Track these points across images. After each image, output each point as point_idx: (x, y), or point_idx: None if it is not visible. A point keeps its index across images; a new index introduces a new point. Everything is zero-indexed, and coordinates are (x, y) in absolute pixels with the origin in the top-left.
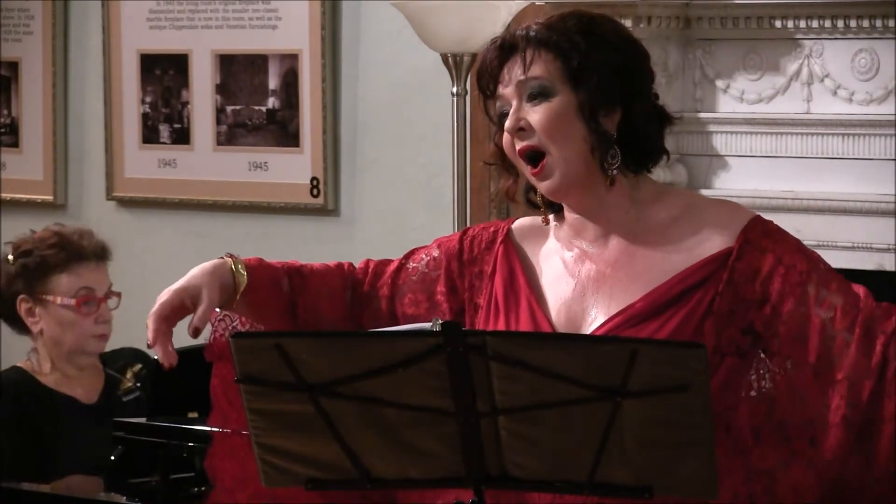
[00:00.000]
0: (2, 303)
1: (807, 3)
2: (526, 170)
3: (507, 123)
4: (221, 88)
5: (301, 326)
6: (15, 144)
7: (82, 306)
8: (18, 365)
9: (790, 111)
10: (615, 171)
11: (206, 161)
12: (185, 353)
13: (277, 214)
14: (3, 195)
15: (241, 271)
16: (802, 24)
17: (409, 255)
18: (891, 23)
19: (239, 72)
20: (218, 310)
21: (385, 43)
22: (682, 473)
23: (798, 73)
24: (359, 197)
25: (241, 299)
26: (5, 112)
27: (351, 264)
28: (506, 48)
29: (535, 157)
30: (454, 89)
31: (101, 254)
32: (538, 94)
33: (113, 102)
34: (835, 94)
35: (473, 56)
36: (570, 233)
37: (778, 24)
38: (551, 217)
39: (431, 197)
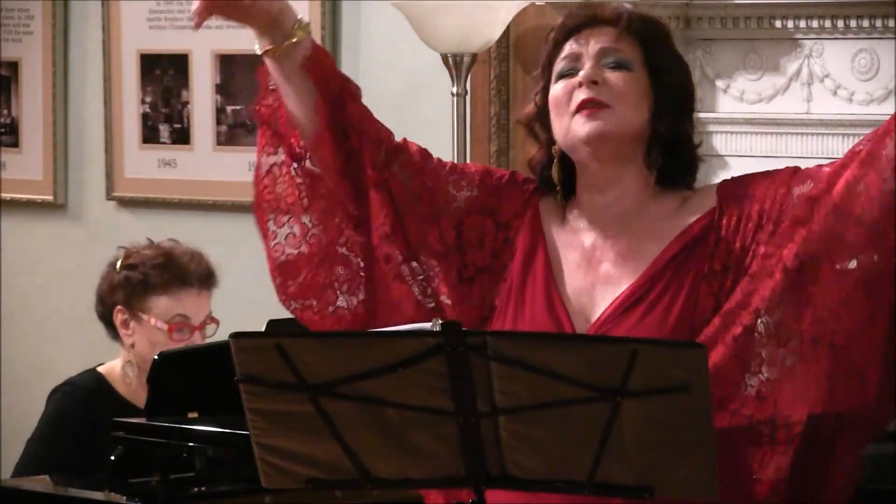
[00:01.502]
0: (102, 307)
1: (807, 3)
2: (572, 116)
3: (585, 72)
4: (221, 88)
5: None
6: (15, 144)
7: (174, 332)
8: (98, 370)
9: (790, 111)
10: (654, 168)
11: (206, 161)
12: (185, 354)
13: None
14: (3, 195)
15: (302, 31)
16: (802, 24)
17: (453, 169)
18: (891, 23)
19: (239, 72)
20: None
21: (385, 43)
22: (682, 473)
23: (798, 73)
24: None
25: (294, 63)
26: (5, 112)
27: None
28: (597, 19)
29: (595, 106)
30: (454, 89)
31: (205, 280)
32: (619, 66)
33: (113, 102)
34: (835, 94)
35: (473, 56)
36: (583, 221)
37: (778, 24)
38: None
39: None
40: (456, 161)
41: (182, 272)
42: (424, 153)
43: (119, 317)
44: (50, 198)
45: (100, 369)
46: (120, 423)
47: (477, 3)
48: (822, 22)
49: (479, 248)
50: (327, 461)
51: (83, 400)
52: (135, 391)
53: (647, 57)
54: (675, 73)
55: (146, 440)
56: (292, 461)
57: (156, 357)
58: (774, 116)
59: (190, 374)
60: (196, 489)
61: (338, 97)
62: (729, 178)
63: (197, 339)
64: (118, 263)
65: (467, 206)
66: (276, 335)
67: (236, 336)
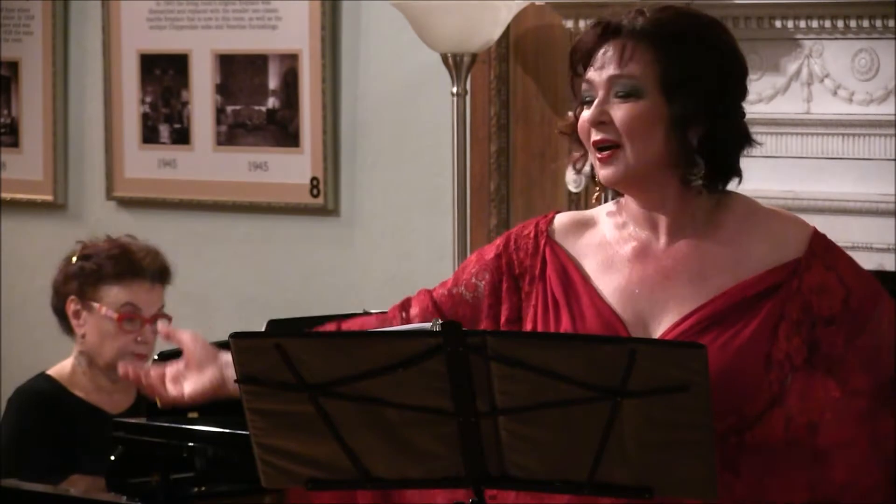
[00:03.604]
0: (56, 298)
1: (807, 3)
2: (593, 154)
3: (590, 115)
4: (221, 88)
5: None
6: (15, 144)
7: (124, 322)
8: (48, 373)
9: (790, 111)
10: (698, 183)
11: (206, 161)
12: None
13: (277, 214)
14: (3, 195)
15: None
16: (802, 24)
17: (456, 282)
18: (891, 23)
19: (239, 72)
20: None
21: (385, 43)
22: (681, 473)
23: (798, 73)
24: (359, 197)
25: None
26: (5, 112)
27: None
28: (609, 31)
29: (607, 147)
30: (454, 89)
31: (159, 275)
32: (628, 94)
33: (113, 102)
34: (835, 94)
35: (473, 56)
36: (634, 222)
37: (778, 24)
38: (608, 206)
39: (431, 197)
40: (456, 161)
41: (136, 264)
42: (428, 300)
43: (71, 307)
44: (50, 198)
45: (49, 372)
46: (120, 423)
47: (477, 3)
48: (822, 22)
49: (506, 302)
50: (327, 461)
51: (39, 406)
52: (86, 389)
53: (661, 73)
54: (701, 79)
55: (146, 440)
56: (292, 461)
57: (156, 357)
58: (774, 116)
59: None
60: (196, 489)
61: None
62: (820, 233)
63: (147, 333)
64: (74, 256)
65: (490, 290)
66: (276, 335)
67: (236, 336)
